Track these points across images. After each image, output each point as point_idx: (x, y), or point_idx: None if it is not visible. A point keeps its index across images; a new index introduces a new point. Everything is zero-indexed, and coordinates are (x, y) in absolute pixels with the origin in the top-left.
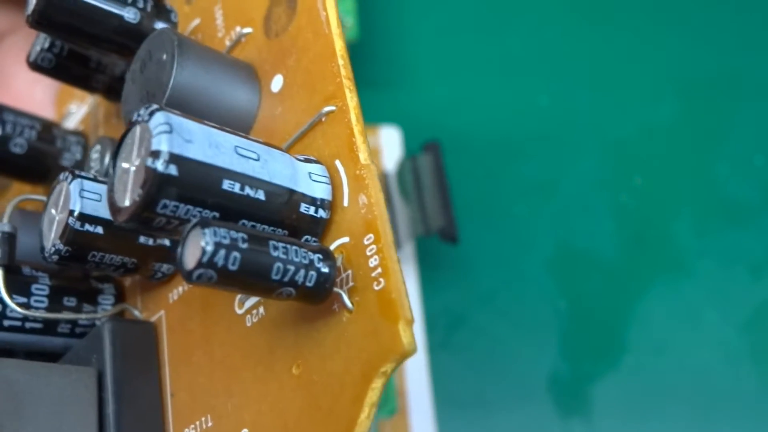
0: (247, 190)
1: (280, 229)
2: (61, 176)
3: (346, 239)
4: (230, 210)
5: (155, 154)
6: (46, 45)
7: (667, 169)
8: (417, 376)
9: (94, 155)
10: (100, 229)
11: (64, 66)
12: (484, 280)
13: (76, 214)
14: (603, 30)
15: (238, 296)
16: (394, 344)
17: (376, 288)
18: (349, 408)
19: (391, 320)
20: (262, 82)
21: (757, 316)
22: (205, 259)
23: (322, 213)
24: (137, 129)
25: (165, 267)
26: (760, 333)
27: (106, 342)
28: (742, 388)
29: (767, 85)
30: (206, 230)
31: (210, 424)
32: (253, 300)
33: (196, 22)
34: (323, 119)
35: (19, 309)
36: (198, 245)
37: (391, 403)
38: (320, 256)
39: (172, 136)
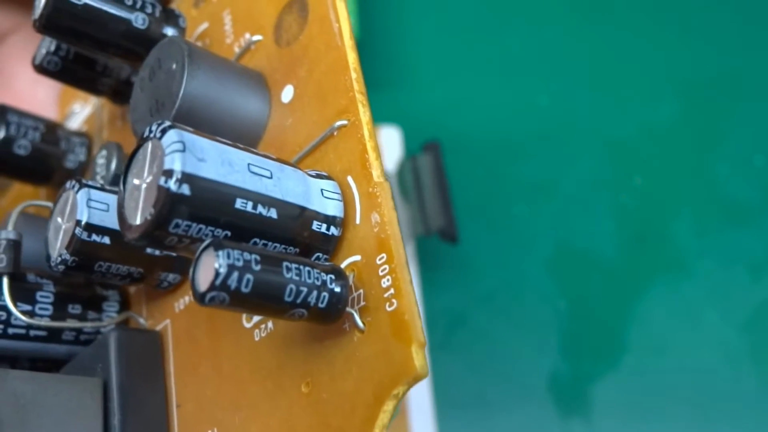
0: (260, 209)
1: (291, 247)
2: (68, 184)
3: (357, 257)
4: (242, 229)
5: (168, 173)
6: (52, 48)
7: (667, 169)
8: None
9: (100, 161)
10: (107, 240)
11: (70, 69)
12: (484, 280)
13: (83, 224)
14: (603, 30)
15: None
16: (406, 367)
17: (389, 309)
18: (359, 429)
19: (403, 342)
20: (273, 92)
21: (757, 316)
22: (218, 282)
23: (333, 230)
24: (149, 145)
25: (171, 276)
26: (760, 333)
27: (111, 351)
28: (742, 388)
29: (767, 85)
30: (220, 252)
31: None
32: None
33: (204, 26)
34: (335, 133)
35: (24, 318)
36: (211, 267)
37: None
38: (333, 277)
39: (185, 155)
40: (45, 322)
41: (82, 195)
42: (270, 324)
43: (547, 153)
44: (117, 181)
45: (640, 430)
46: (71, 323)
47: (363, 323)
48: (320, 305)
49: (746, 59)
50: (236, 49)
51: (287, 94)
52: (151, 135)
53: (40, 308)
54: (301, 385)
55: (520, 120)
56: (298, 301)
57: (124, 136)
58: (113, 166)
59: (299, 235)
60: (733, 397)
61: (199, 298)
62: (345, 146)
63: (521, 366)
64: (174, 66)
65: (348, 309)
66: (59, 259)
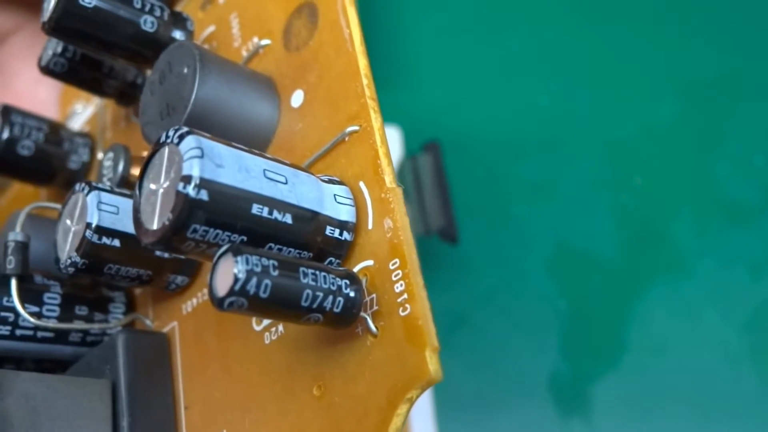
0: (275, 214)
1: (305, 252)
2: (78, 187)
3: (370, 262)
4: (258, 234)
5: (187, 179)
6: (59, 50)
7: (667, 169)
8: None
9: (107, 163)
10: (117, 242)
11: (76, 71)
12: (484, 280)
13: (93, 226)
14: (603, 30)
15: None
16: (420, 371)
17: (402, 314)
18: None
19: (417, 347)
20: (282, 97)
21: (757, 316)
22: (237, 287)
23: (346, 235)
24: (165, 150)
25: (179, 279)
26: (760, 333)
27: (119, 353)
28: (742, 388)
29: (767, 85)
30: (239, 257)
31: None
32: None
33: (211, 29)
34: (346, 138)
35: (32, 319)
36: (230, 272)
37: None
38: (347, 282)
39: (204, 161)
40: (52, 323)
41: (92, 198)
42: (281, 327)
43: (547, 153)
44: (124, 183)
45: (640, 430)
46: (78, 325)
47: (376, 327)
48: (335, 310)
49: (746, 59)
50: (244, 53)
51: (297, 98)
52: (168, 140)
53: (48, 310)
54: (312, 388)
55: (520, 120)
56: (315, 306)
57: (128, 137)
58: (120, 168)
59: (313, 240)
60: (733, 397)
61: (218, 303)
62: (356, 152)
63: (521, 366)
64: (185, 70)
65: (362, 313)
66: (69, 261)
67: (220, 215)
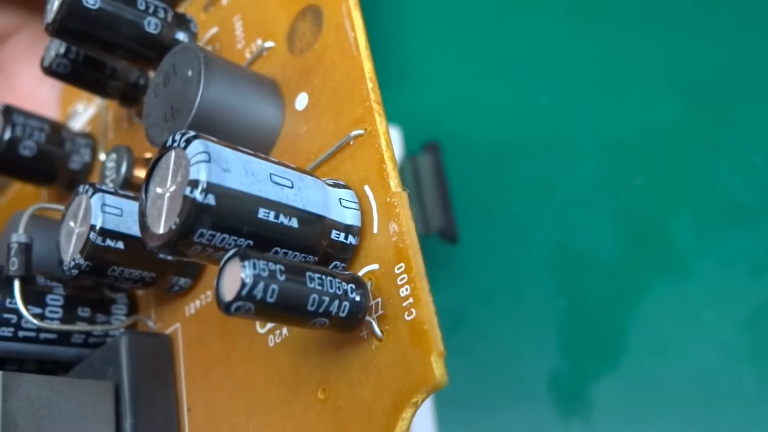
0: (282, 218)
1: (310, 256)
2: (81, 189)
3: (375, 266)
4: (264, 238)
5: (194, 183)
6: (62, 51)
7: (667, 169)
8: None
9: (110, 164)
10: (120, 245)
11: (78, 72)
12: (484, 280)
13: (97, 229)
14: (602, 30)
15: None
16: (426, 376)
17: (408, 318)
18: None
19: (423, 351)
20: (286, 99)
21: (757, 316)
22: (244, 292)
23: (351, 239)
24: (172, 154)
25: (183, 281)
26: (760, 333)
27: (123, 355)
28: (742, 388)
29: (767, 85)
30: (246, 262)
31: None
32: None
33: (214, 30)
34: (351, 142)
35: (35, 321)
36: (237, 277)
37: None
38: (353, 286)
39: (211, 166)
40: (55, 325)
41: (96, 200)
42: (285, 330)
43: (547, 153)
44: (127, 184)
45: (640, 429)
46: (81, 326)
47: (381, 332)
48: (341, 314)
49: (746, 59)
50: (248, 55)
51: (301, 101)
52: (175, 144)
53: (50, 311)
54: (317, 391)
55: (520, 120)
56: (321, 310)
57: (130, 138)
58: (123, 169)
59: (318, 244)
60: (733, 397)
61: (225, 307)
62: (361, 155)
63: (521, 366)
64: (190, 73)
65: (367, 317)
66: (73, 263)
67: (226, 219)
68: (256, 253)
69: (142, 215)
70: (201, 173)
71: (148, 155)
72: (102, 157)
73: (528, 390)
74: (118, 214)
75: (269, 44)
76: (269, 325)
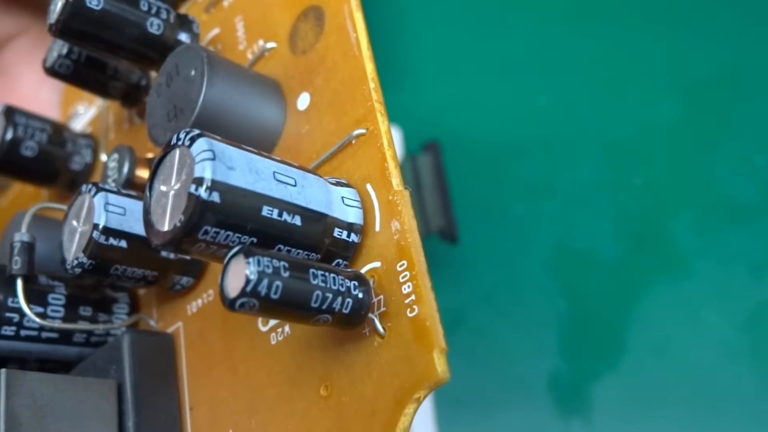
0: (285, 216)
1: (313, 253)
2: (84, 188)
3: (377, 264)
4: (268, 236)
5: (198, 181)
6: (64, 51)
7: (667, 169)
8: None
9: (112, 164)
10: (123, 243)
11: (81, 72)
12: (484, 280)
13: (100, 227)
14: (602, 30)
15: None
16: (428, 372)
17: (410, 315)
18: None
19: (425, 348)
20: (288, 99)
21: (757, 316)
22: (248, 288)
23: (354, 237)
24: (176, 153)
25: (185, 280)
26: (760, 333)
27: (125, 354)
28: (742, 388)
29: (767, 85)
30: (250, 259)
31: None
32: None
33: (215, 32)
34: (353, 141)
35: (38, 320)
36: (241, 274)
37: None
38: (356, 283)
39: (216, 163)
40: (57, 324)
41: (99, 199)
42: (287, 328)
43: (547, 153)
44: (129, 184)
45: (640, 429)
46: (83, 325)
47: (384, 328)
48: (344, 311)
49: (746, 59)
50: (249, 56)
51: (303, 101)
52: (179, 142)
53: (52, 310)
54: (320, 388)
55: (520, 120)
56: (324, 307)
57: (132, 139)
58: (125, 169)
59: (321, 242)
60: (733, 397)
61: (229, 304)
62: (363, 154)
63: (521, 366)
64: (193, 73)
65: (370, 315)
66: (76, 262)
67: (231, 217)
68: (260, 250)
69: (147, 213)
70: (206, 171)
71: (150, 155)
72: (103, 157)
73: (528, 390)
74: (121, 213)
75: (271, 45)
76: (271, 323)
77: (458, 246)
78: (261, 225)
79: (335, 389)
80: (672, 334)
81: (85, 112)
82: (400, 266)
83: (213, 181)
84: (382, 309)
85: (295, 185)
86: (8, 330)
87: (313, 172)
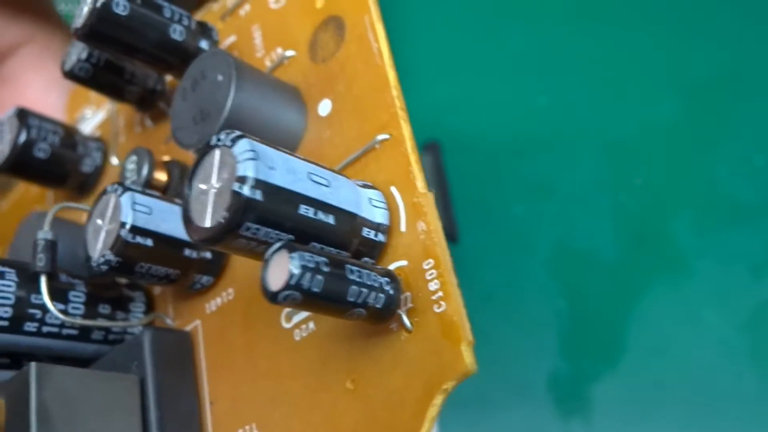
0: (320, 215)
1: (343, 251)
2: (110, 188)
3: (404, 263)
4: (304, 233)
5: (242, 180)
6: (84, 56)
7: (667, 169)
8: None
9: (130, 166)
10: (150, 242)
11: (99, 76)
12: (484, 280)
13: (128, 226)
14: (602, 30)
15: (286, 310)
16: (456, 364)
17: (437, 310)
18: (409, 422)
19: (453, 341)
20: (309, 105)
21: (757, 316)
22: (292, 282)
23: (381, 237)
24: (216, 153)
25: (205, 278)
26: (760, 333)
27: (146, 350)
28: (742, 388)
29: (767, 85)
30: (294, 254)
31: None
32: (301, 315)
33: (232, 39)
34: (377, 146)
35: (61, 316)
36: (285, 268)
37: None
38: (387, 280)
39: (258, 163)
40: (79, 321)
41: (126, 198)
42: (311, 324)
43: (547, 153)
44: (148, 185)
45: (640, 430)
46: (103, 323)
47: (411, 323)
48: (377, 306)
49: (746, 59)
50: (268, 63)
51: (325, 107)
52: (220, 143)
53: (73, 307)
54: (345, 381)
55: (520, 120)
56: (359, 301)
57: (145, 142)
58: (145, 171)
59: (350, 241)
60: (733, 397)
61: (272, 296)
62: (387, 159)
63: (521, 366)
64: (221, 78)
65: (398, 310)
66: (103, 259)
67: (271, 215)
68: (301, 246)
69: (186, 210)
70: (249, 170)
71: (166, 158)
72: (114, 160)
73: (528, 390)
74: (147, 212)
75: (290, 53)
76: (295, 320)
77: (458, 246)
78: (298, 223)
79: (362, 382)
80: (672, 334)
81: (93, 116)
82: (427, 264)
83: (256, 180)
84: (409, 305)
85: (328, 186)
86: (31, 326)
87: (343, 174)
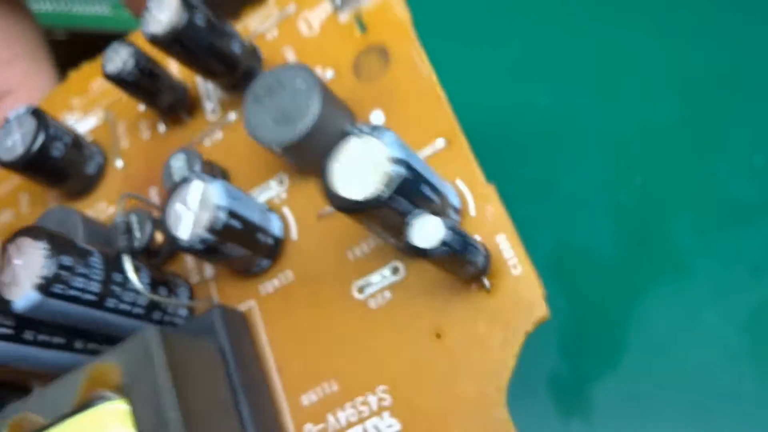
0: (430, 194)
1: None
2: (195, 177)
3: (478, 238)
4: (421, 207)
5: (396, 161)
6: (132, 62)
7: (667, 169)
8: None
9: (178, 163)
10: (239, 224)
11: (141, 81)
12: None
13: (225, 208)
14: (603, 30)
15: (357, 283)
16: (536, 310)
17: (515, 273)
18: (497, 361)
19: (531, 293)
20: (360, 116)
21: (757, 316)
22: (446, 239)
23: (458, 217)
24: (358, 141)
25: (265, 262)
26: (760, 333)
27: (218, 324)
28: (742, 388)
29: (767, 85)
30: (442, 219)
31: (335, 388)
32: (374, 287)
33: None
34: (439, 149)
35: (147, 293)
36: (438, 228)
37: None
38: (483, 247)
39: (402, 147)
40: (164, 298)
41: (220, 185)
42: (387, 293)
43: (547, 153)
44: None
45: (640, 430)
46: (175, 300)
47: (490, 284)
48: (480, 266)
49: (746, 59)
50: None
51: (377, 117)
52: (361, 133)
53: (143, 288)
54: (429, 334)
55: (520, 120)
56: (473, 259)
57: (155, 145)
58: (197, 167)
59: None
60: (733, 397)
61: (426, 252)
62: (448, 158)
63: (521, 366)
64: (304, 87)
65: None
66: (198, 238)
67: (410, 191)
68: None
69: (330, 185)
70: (398, 152)
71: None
72: (118, 163)
73: (528, 390)
74: (237, 198)
75: (330, 73)
76: (368, 291)
77: None
78: (420, 199)
79: (447, 334)
80: (672, 334)
81: (79, 122)
82: (499, 238)
83: (403, 161)
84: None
85: (431, 172)
86: (111, 302)
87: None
